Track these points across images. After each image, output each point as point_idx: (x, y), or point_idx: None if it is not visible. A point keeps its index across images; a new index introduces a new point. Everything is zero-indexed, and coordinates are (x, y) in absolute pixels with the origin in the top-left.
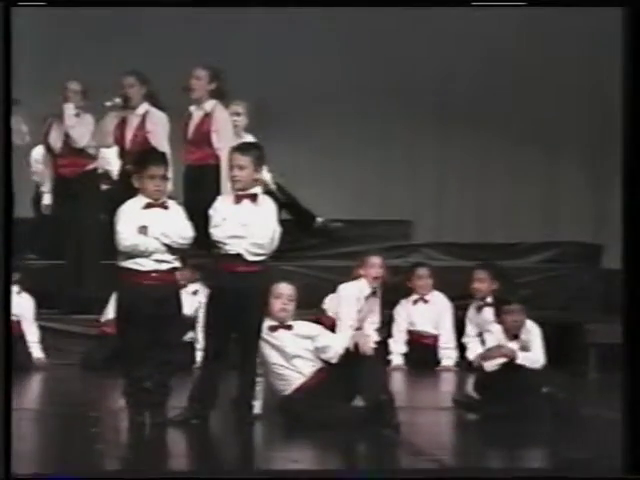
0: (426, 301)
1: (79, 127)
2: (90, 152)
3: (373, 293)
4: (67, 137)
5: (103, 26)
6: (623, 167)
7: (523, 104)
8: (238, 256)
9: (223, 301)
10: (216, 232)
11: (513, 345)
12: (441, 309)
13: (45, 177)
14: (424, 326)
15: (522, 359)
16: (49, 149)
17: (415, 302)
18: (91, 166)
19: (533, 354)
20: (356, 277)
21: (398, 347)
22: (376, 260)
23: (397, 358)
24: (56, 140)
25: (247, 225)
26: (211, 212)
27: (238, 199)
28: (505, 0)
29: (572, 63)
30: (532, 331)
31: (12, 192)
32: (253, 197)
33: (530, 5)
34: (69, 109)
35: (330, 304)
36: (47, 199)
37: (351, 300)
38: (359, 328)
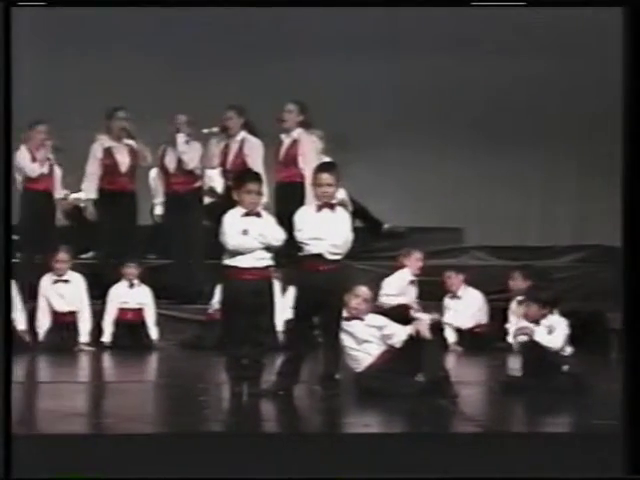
0: (459, 297)
1: (190, 152)
2: (197, 172)
3: (412, 282)
4: (180, 160)
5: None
6: (623, 167)
7: (556, 121)
8: (319, 256)
9: (308, 294)
10: (300, 235)
11: (534, 326)
12: (470, 303)
13: (159, 192)
14: (456, 318)
15: (540, 337)
16: (164, 169)
17: (451, 298)
18: (198, 184)
19: (553, 337)
20: (400, 266)
21: (448, 335)
22: (418, 254)
23: (450, 343)
24: (170, 162)
25: (326, 229)
26: (296, 219)
27: (319, 208)
28: (505, 0)
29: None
30: (558, 322)
31: (11, 195)
32: (332, 206)
33: (530, 5)
34: (180, 138)
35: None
36: (159, 210)
37: (394, 282)
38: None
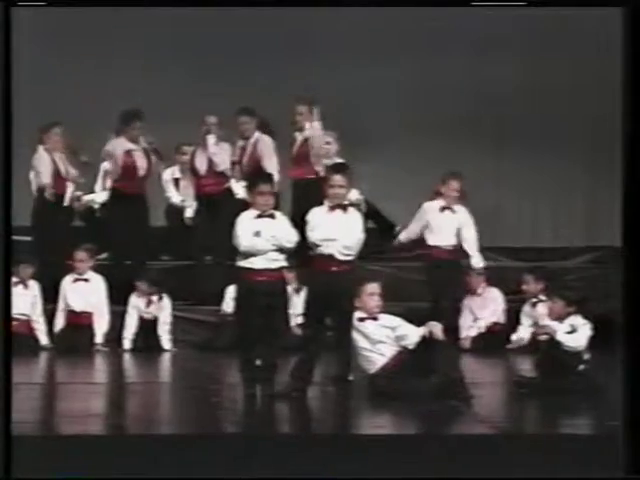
0: (478, 294)
1: (220, 153)
2: (227, 173)
3: (447, 208)
4: (210, 162)
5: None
6: (623, 167)
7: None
8: (330, 256)
9: (319, 296)
10: (312, 235)
11: (556, 325)
12: (489, 301)
13: (188, 194)
14: (478, 314)
15: (562, 337)
16: (194, 171)
17: (471, 295)
18: (227, 185)
19: (575, 337)
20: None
21: (465, 332)
22: (456, 184)
23: (465, 341)
24: (201, 164)
25: (339, 230)
26: (309, 217)
27: (331, 209)
28: (505, 0)
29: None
30: (582, 323)
31: (11, 196)
32: (344, 207)
33: (530, 5)
34: (211, 139)
35: None
36: (189, 212)
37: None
38: None
